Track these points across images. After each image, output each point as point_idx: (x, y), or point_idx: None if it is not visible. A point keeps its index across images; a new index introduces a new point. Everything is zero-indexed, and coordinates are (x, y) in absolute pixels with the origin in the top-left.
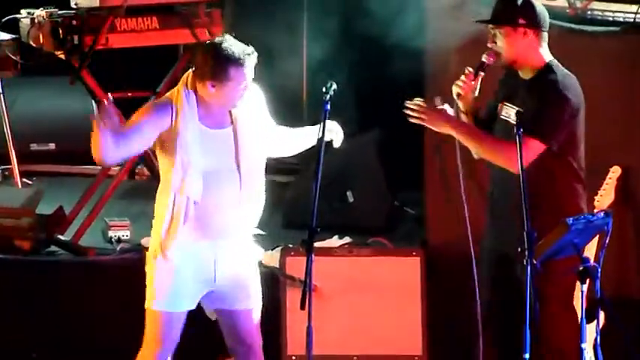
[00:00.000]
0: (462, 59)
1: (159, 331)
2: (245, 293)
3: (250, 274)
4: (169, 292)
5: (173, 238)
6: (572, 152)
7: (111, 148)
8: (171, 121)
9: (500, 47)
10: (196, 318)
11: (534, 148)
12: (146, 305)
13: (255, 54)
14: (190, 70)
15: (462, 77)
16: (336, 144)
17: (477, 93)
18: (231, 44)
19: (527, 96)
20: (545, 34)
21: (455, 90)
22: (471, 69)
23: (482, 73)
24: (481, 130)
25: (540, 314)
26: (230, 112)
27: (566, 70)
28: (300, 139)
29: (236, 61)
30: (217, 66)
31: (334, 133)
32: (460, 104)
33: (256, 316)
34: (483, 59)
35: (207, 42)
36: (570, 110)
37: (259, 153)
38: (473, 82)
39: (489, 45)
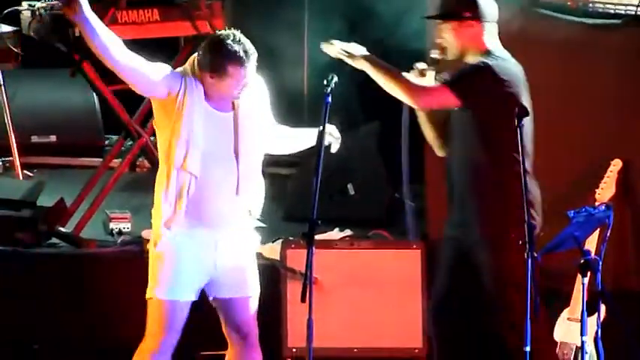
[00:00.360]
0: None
1: (162, 321)
2: (243, 282)
3: (249, 263)
4: (172, 281)
5: (174, 220)
6: (514, 145)
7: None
8: (179, 89)
9: (447, 41)
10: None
11: (443, 96)
12: (148, 295)
13: (256, 54)
14: (195, 54)
15: (412, 73)
16: (334, 149)
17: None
18: (236, 42)
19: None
20: (491, 25)
21: None
22: (420, 65)
23: (432, 68)
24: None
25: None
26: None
27: (508, 56)
28: (298, 139)
29: (236, 60)
30: (216, 61)
31: (333, 137)
32: None
33: (253, 305)
34: (432, 55)
35: (215, 34)
36: (491, 78)
37: (258, 143)
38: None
39: (437, 40)
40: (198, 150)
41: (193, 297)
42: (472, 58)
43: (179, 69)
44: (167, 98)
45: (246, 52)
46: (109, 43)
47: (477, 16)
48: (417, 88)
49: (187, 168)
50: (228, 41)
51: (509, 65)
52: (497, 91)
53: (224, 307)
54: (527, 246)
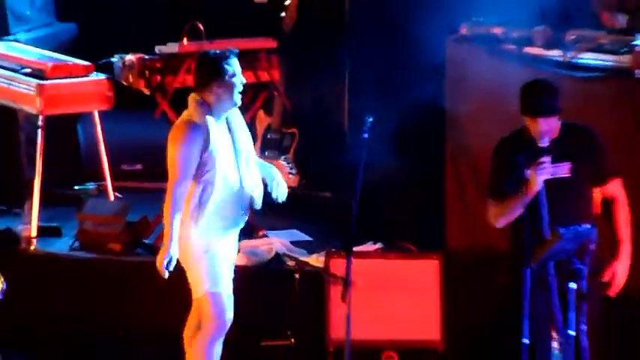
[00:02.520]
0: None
1: (217, 312)
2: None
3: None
4: (220, 277)
5: (209, 227)
6: None
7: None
8: (203, 137)
9: (541, 130)
10: None
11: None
12: (201, 293)
13: (236, 51)
14: (193, 94)
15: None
16: (281, 198)
17: None
18: (213, 52)
19: (572, 149)
20: None
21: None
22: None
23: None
24: None
25: None
26: (226, 121)
27: None
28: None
29: (225, 58)
30: (215, 66)
31: (276, 182)
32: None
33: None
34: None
35: (197, 58)
36: None
37: (251, 156)
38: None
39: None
40: (220, 163)
41: (231, 291)
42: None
43: (188, 120)
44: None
45: (226, 52)
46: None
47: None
48: None
49: (214, 183)
50: (209, 53)
51: None
52: None
53: None
54: (524, 260)
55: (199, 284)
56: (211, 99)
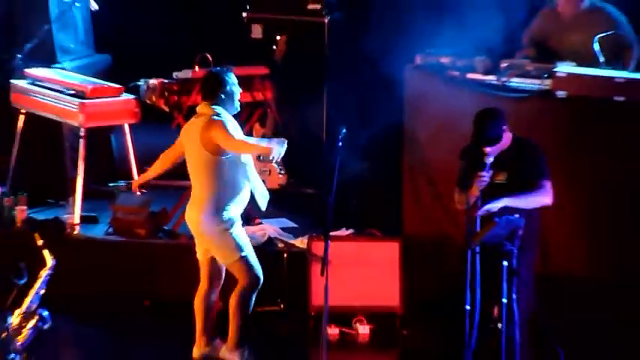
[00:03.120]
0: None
1: (253, 269)
2: None
3: None
4: (247, 244)
5: (235, 211)
6: None
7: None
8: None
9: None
10: None
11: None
12: (237, 257)
13: (232, 68)
14: (202, 104)
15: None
16: (262, 207)
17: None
18: (216, 68)
19: (512, 162)
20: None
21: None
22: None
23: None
24: None
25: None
26: None
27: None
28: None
29: (225, 72)
30: (219, 78)
31: (263, 197)
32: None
33: None
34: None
35: (204, 75)
36: None
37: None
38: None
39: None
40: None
41: None
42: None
43: (210, 113)
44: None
45: (226, 68)
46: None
47: (507, 126)
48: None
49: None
50: (214, 71)
51: None
52: None
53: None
54: (468, 242)
55: (233, 252)
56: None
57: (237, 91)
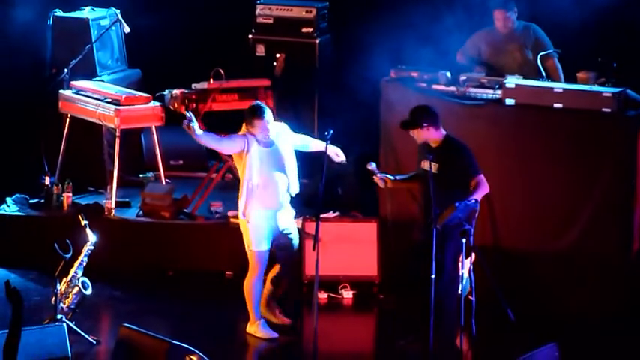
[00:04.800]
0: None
1: (259, 262)
2: (290, 234)
3: (292, 224)
4: (259, 239)
5: (251, 208)
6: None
7: (202, 138)
8: (244, 146)
9: (416, 137)
10: None
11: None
12: (248, 248)
13: (270, 112)
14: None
15: (376, 180)
16: (339, 160)
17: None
18: (259, 106)
19: (442, 157)
20: (440, 123)
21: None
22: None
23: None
24: None
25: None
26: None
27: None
28: (313, 143)
29: (259, 115)
30: (251, 116)
31: (340, 155)
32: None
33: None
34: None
35: (251, 105)
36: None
37: (292, 157)
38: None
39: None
40: (257, 172)
41: (268, 247)
42: (435, 144)
43: (242, 132)
44: (240, 152)
45: (262, 111)
46: (205, 140)
47: (430, 123)
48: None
49: (252, 182)
50: (253, 106)
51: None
52: None
53: (281, 248)
54: (433, 222)
55: (246, 242)
56: (251, 130)
57: (266, 124)
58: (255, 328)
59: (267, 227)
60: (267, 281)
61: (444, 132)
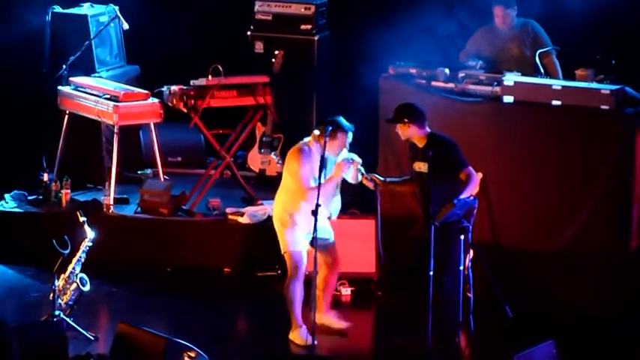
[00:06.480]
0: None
1: (297, 264)
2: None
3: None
4: (296, 239)
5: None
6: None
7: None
8: (313, 163)
9: (400, 133)
10: None
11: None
12: (284, 250)
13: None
14: (315, 132)
15: (364, 181)
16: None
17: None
18: (346, 123)
19: (429, 155)
20: (424, 121)
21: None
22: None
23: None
24: None
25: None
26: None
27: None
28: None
29: (344, 130)
30: (339, 129)
31: (356, 160)
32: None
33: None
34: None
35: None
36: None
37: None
38: (371, 180)
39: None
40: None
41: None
42: (421, 142)
43: (304, 143)
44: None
45: (346, 126)
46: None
47: (412, 120)
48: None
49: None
50: (338, 122)
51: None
52: None
53: (321, 248)
54: (431, 219)
55: (282, 245)
56: (330, 143)
57: (343, 145)
58: (296, 335)
59: (304, 227)
60: (317, 287)
61: (428, 130)
